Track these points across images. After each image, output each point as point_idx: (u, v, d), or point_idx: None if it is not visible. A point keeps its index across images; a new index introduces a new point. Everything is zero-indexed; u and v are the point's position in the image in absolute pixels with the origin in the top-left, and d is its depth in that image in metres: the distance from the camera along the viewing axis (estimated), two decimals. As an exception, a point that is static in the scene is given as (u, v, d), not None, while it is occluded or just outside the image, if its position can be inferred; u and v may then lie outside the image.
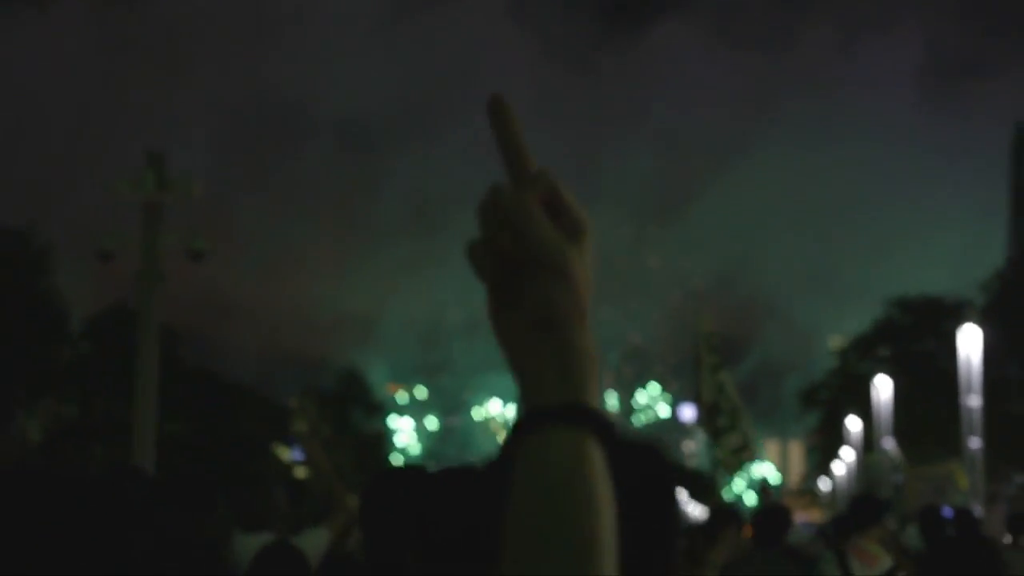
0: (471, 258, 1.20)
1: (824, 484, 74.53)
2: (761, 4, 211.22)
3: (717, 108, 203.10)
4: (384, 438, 69.48)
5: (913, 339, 52.07)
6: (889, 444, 39.50)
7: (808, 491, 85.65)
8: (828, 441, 61.50)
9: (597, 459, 1.11)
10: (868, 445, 48.68)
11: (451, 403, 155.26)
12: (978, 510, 25.10)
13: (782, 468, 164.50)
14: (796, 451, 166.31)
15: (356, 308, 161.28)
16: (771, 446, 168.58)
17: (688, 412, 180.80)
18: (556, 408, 1.13)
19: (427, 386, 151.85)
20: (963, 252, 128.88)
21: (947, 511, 13.57)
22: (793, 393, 74.22)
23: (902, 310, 54.36)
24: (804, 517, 71.12)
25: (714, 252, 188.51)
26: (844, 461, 54.30)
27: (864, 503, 8.89)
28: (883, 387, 39.48)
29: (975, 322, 28.31)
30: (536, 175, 1.20)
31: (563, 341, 1.16)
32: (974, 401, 28.63)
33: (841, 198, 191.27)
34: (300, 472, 61.42)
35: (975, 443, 28.56)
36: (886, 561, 7.92)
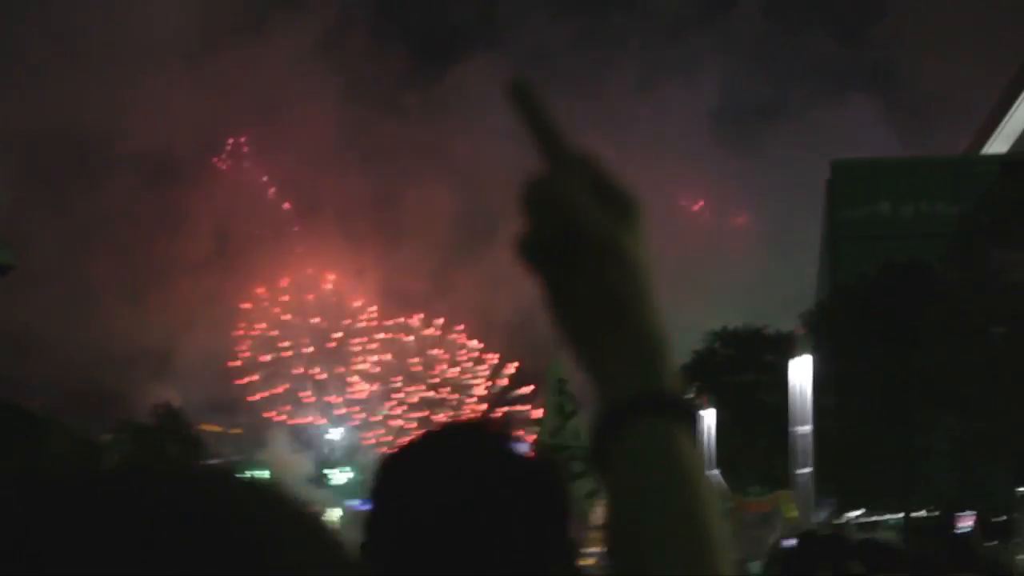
0: (520, 252, 1.13)
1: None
2: (565, 44, 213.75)
3: (519, 146, 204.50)
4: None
5: (734, 371, 52.86)
6: (714, 475, 39.92)
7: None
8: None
9: (692, 446, 1.10)
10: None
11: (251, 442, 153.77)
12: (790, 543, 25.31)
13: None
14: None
15: (156, 343, 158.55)
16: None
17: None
18: (647, 399, 1.10)
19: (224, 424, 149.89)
20: (766, 287, 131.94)
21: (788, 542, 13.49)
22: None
23: (723, 342, 55.21)
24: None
25: (518, 289, 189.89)
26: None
27: None
28: (707, 418, 39.94)
29: (807, 352, 28.70)
30: (576, 157, 1.13)
31: (632, 328, 1.11)
32: (804, 430, 29.04)
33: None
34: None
35: (805, 473, 28.98)
36: None
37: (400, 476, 1.84)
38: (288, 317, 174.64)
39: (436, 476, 1.78)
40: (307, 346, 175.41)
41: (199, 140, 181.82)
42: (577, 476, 16.75)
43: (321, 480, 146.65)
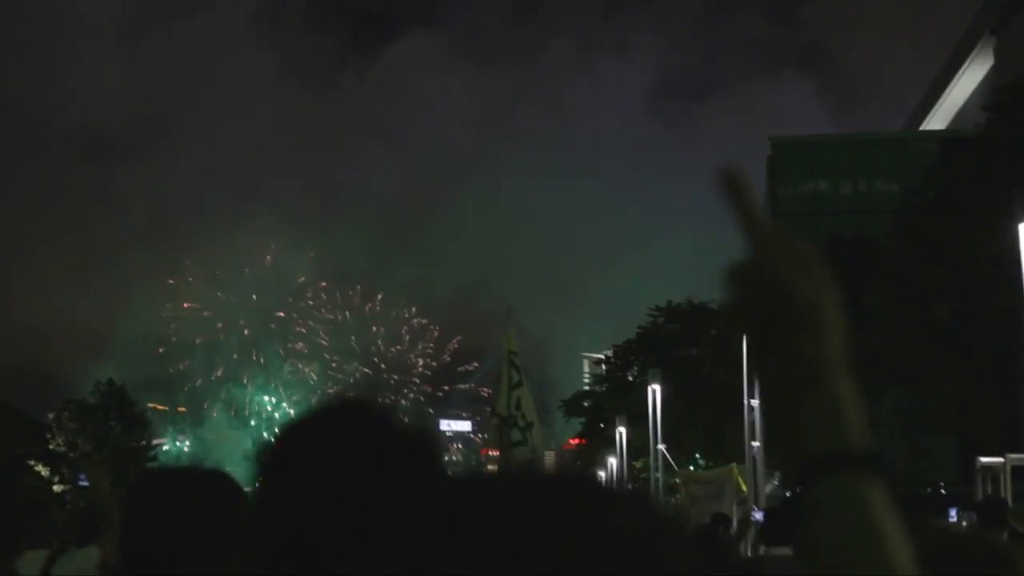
0: (730, 320, 1.28)
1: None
2: (503, 21, 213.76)
3: (457, 123, 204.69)
4: (145, 452, 67.21)
5: (679, 345, 53.10)
6: (660, 450, 40.06)
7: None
8: (594, 449, 62.12)
9: (886, 499, 1.21)
10: (637, 452, 49.29)
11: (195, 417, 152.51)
12: (760, 514, 25.56)
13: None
14: (549, 461, 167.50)
15: (91, 321, 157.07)
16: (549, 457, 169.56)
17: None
18: (846, 454, 1.22)
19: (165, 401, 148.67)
20: (703, 263, 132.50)
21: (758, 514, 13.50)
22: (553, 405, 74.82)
23: (667, 317, 55.41)
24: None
25: (457, 265, 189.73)
26: (610, 468, 54.83)
27: None
28: (654, 393, 40.06)
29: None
30: (776, 235, 1.28)
31: (831, 390, 1.25)
32: (755, 403, 29.18)
33: (579, 213, 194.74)
34: (57, 489, 59.29)
35: (756, 445, 29.15)
36: None
37: (283, 458, 1.87)
38: (223, 295, 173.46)
39: (316, 456, 1.81)
40: (243, 328, 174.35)
41: (133, 117, 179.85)
42: (515, 444, 17.30)
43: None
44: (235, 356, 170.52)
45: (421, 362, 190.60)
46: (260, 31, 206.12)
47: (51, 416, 66.14)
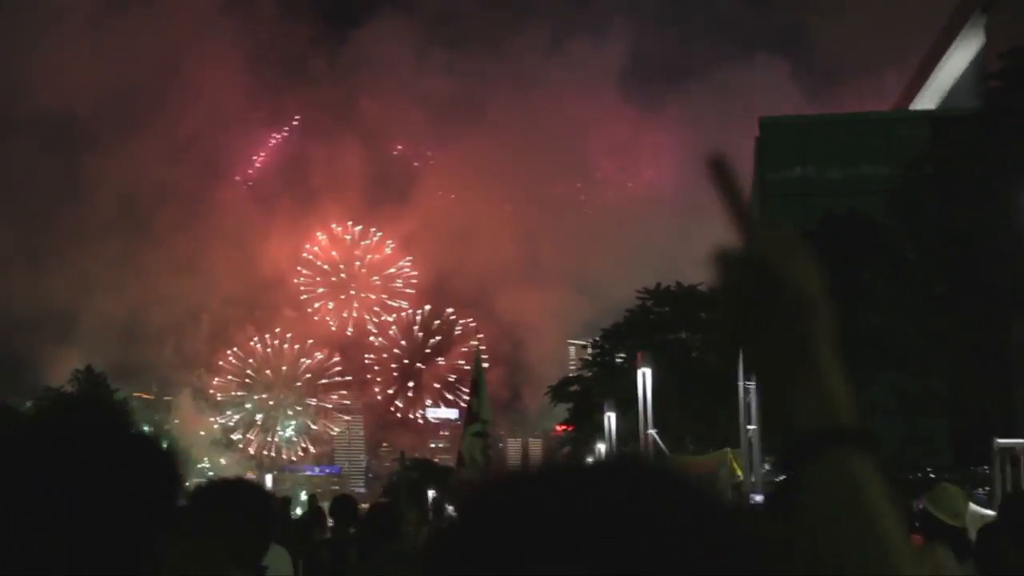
0: (721, 308, 1.34)
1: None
2: (475, 4, 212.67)
3: (428, 107, 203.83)
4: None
5: (668, 329, 52.18)
6: (650, 435, 39.08)
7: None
8: (582, 435, 61.27)
9: (878, 474, 1.27)
10: (628, 438, 48.35)
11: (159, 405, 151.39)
12: (760, 497, 24.64)
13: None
14: (536, 449, 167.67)
15: (57, 308, 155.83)
16: (514, 444, 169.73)
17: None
18: (838, 432, 1.28)
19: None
20: (681, 246, 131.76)
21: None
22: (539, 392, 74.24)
23: (656, 300, 54.45)
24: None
25: (429, 253, 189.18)
26: (599, 454, 53.89)
27: None
28: (644, 376, 38.99)
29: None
30: (770, 230, 1.35)
31: (821, 369, 1.33)
32: (750, 385, 28.26)
33: (556, 199, 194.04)
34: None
35: (752, 429, 28.22)
36: None
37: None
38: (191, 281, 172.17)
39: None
40: (212, 311, 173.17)
41: (101, 102, 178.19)
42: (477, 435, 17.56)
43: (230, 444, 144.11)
44: (205, 342, 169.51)
45: (397, 343, 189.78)
46: (231, 14, 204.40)
47: (28, 404, 65.06)
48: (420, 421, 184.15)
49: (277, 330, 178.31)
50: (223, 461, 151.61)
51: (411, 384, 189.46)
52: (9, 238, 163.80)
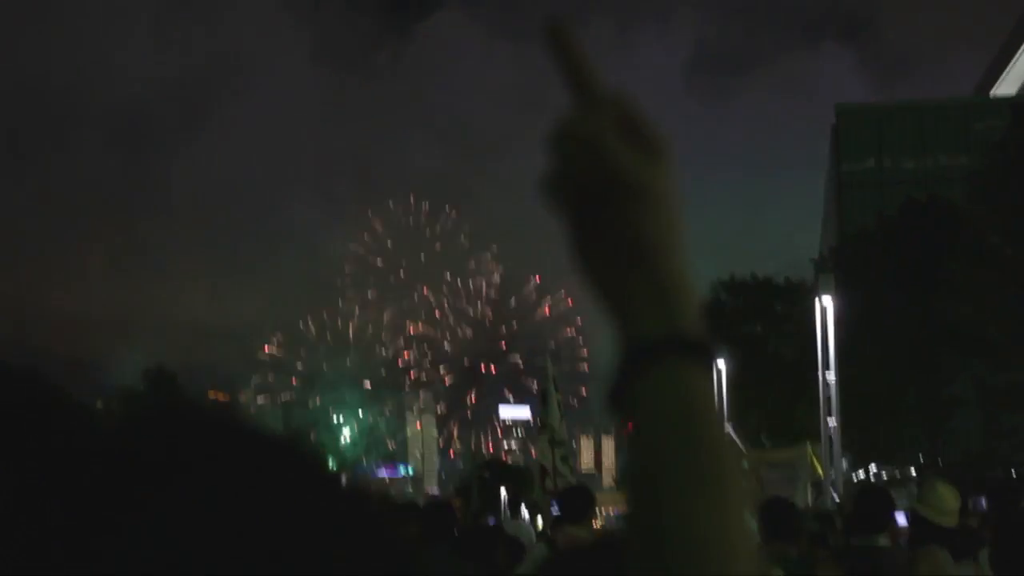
0: (545, 191, 1.15)
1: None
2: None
3: (495, 100, 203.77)
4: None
5: (742, 321, 51.24)
6: (729, 431, 38.23)
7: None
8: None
9: (711, 387, 1.11)
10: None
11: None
12: (837, 498, 23.74)
13: (597, 465, 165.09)
14: (608, 447, 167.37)
15: (125, 308, 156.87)
16: (586, 443, 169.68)
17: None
18: (672, 340, 1.11)
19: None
20: (745, 238, 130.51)
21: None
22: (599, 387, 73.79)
23: (729, 292, 53.53)
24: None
25: (499, 243, 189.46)
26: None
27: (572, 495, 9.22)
28: (720, 371, 38.14)
29: (831, 295, 26.82)
30: (607, 97, 1.14)
31: (660, 270, 1.13)
32: (831, 378, 27.18)
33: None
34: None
35: (832, 424, 27.16)
36: None
37: None
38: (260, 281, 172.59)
39: None
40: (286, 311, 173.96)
41: (167, 99, 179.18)
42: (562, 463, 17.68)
43: None
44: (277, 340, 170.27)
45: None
46: (294, 10, 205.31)
47: (99, 404, 65.11)
48: (496, 424, 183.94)
49: (342, 320, 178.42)
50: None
51: (480, 383, 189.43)
52: (77, 238, 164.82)
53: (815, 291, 29.40)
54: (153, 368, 66.75)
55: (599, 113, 1.12)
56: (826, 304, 26.92)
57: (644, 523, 1.07)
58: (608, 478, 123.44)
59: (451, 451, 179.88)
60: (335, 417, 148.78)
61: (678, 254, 1.13)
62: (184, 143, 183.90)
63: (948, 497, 7.38)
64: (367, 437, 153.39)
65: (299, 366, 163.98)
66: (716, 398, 1.11)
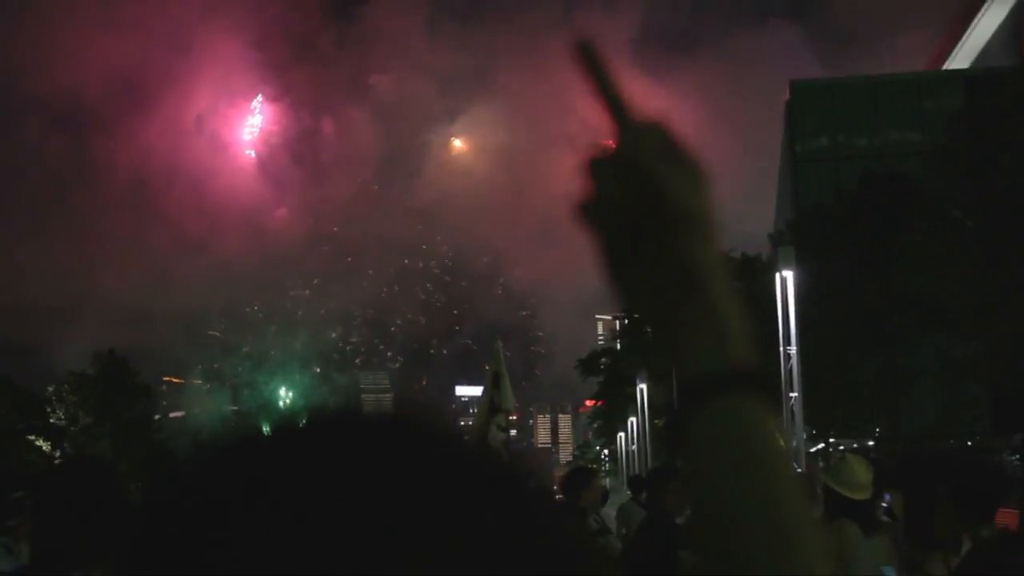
0: (586, 215, 1.11)
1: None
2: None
3: (438, 81, 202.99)
4: (148, 423, 65.25)
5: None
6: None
7: (586, 461, 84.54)
8: (613, 409, 60.32)
9: (773, 420, 1.10)
10: (660, 410, 47.37)
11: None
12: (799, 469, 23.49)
13: (553, 441, 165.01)
14: (565, 425, 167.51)
15: (66, 292, 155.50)
16: (542, 421, 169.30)
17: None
18: (731, 375, 1.09)
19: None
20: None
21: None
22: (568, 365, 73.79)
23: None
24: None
25: (446, 226, 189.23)
26: (631, 427, 52.96)
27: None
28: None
29: (791, 269, 26.66)
30: (647, 122, 1.11)
31: (708, 300, 1.10)
32: (792, 351, 27.05)
33: (561, 168, 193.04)
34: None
35: (794, 396, 27.05)
36: None
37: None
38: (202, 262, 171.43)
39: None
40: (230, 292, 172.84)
41: (111, 83, 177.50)
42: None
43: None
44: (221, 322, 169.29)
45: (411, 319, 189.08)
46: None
47: (51, 389, 64.29)
48: (452, 404, 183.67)
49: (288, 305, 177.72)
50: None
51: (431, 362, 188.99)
52: (17, 223, 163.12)
53: (773, 266, 29.30)
54: (104, 353, 65.82)
55: (642, 139, 1.09)
56: (786, 277, 26.78)
57: (718, 565, 1.05)
58: (566, 452, 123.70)
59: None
60: (285, 397, 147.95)
61: (724, 281, 1.10)
62: (127, 127, 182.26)
63: (859, 471, 7.31)
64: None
65: (245, 349, 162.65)
66: (779, 427, 1.09)
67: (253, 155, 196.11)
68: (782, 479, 1.06)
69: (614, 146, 1.09)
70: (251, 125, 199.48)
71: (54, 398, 62.93)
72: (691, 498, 1.08)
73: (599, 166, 1.09)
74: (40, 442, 58.58)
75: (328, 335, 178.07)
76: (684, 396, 1.08)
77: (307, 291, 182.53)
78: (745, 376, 1.08)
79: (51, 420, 60.68)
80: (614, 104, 1.10)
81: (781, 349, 26.84)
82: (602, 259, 1.11)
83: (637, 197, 1.08)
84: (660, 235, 1.08)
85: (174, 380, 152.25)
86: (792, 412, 27.06)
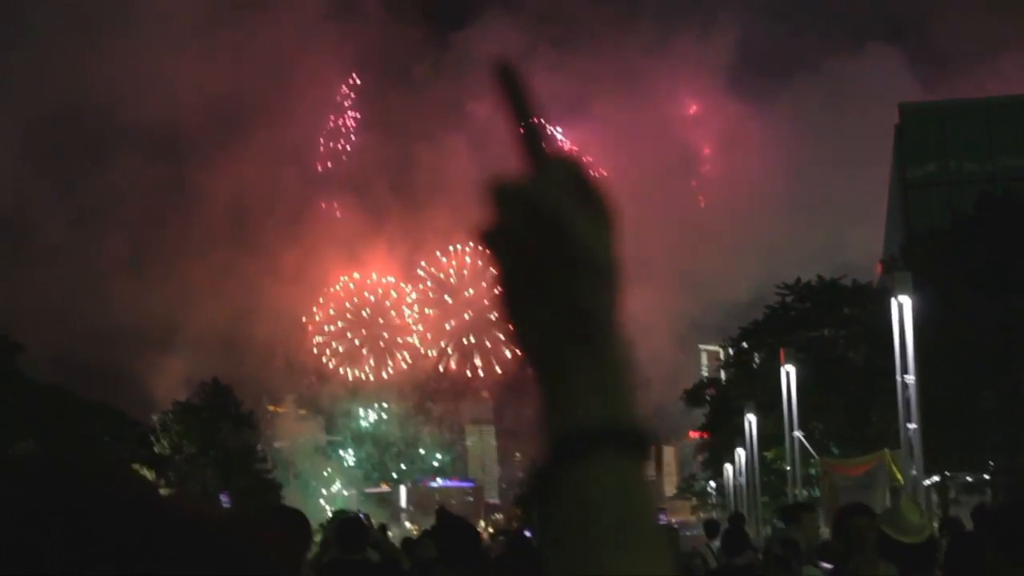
0: (487, 244, 1.08)
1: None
2: (582, 1, 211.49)
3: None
4: (252, 453, 65.43)
5: (810, 326, 50.01)
6: (796, 437, 37.00)
7: (692, 494, 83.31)
8: (721, 440, 59.21)
9: (646, 484, 1.07)
10: (769, 441, 46.30)
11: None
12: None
13: (656, 473, 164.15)
14: (670, 456, 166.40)
15: (167, 320, 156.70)
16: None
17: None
18: (610, 431, 1.05)
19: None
20: (788, 243, 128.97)
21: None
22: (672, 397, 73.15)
23: (796, 296, 52.30)
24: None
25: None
26: (739, 460, 51.84)
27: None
28: (788, 375, 36.91)
29: (907, 295, 25.67)
30: (559, 158, 1.09)
31: (605, 355, 1.07)
32: (910, 380, 26.03)
33: (664, 197, 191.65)
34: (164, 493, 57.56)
35: (912, 428, 26.04)
36: None
37: None
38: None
39: None
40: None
41: (207, 113, 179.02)
42: None
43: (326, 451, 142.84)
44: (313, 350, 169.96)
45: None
46: (335, 19, 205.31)
47: (155, 418, 64.62)
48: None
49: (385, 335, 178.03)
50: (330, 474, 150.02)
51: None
52: (114, 250, 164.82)
53: (886, 292, 28.36)
54: (208, 382, 66.03)
55: (554, 174, 1.05)
56: (903, 302, 25.82)
57: None
58: (670, 486, 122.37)
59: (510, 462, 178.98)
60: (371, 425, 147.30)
61: (619, 334, 1.07)
62: (224, 157, 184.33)
63: (910, 514, 7.45)
64: (406, 448, 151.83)
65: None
66: (650, 493, 1.04)
67: (348, 183, 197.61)
68: (654, 549, 1.01)
69: (524, 177, 1.05)
70: (346, 152, 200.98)
71: (158, 427, 63.23)
72: (552, 557, 1.01)
73: (505, 194, 1.04)
74: (145, 471, 58.80)
75: (425, 364, 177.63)
76: (558, 448, 1.03)
77: (409, 319, 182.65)
78: (629, 434, 1.03)
79: (155, 450, 60.94)
80: (529, 133, 1.06)
81: (898, 378, 25.93)
82: (498, 289, 1.07)
83: (540, 233, 1.03)
84: (558, 276, 1.04)
85: (277, 409, 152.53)
86: (911, 444, 26.11)
